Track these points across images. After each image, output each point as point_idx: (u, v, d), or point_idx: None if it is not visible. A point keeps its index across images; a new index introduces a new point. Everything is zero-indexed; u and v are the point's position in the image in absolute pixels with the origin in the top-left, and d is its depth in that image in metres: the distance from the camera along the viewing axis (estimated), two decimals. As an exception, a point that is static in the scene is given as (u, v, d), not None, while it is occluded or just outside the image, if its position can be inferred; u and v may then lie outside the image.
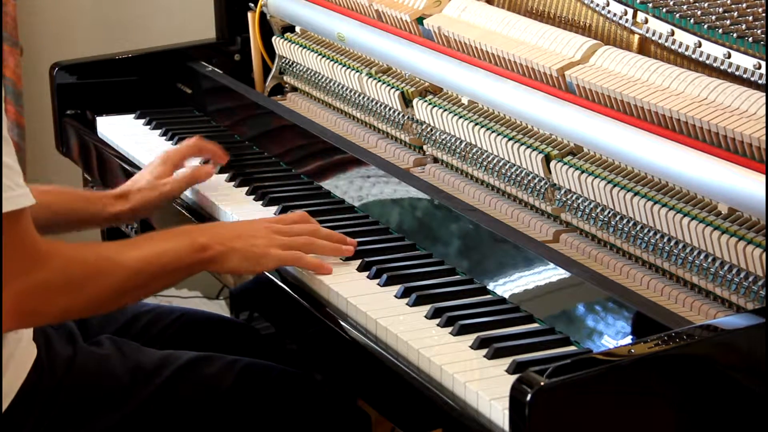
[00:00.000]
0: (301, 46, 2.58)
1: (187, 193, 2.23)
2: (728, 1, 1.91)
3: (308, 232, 1.91)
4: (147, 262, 1.76)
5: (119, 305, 1.84)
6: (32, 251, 1.63)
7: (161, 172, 2.17)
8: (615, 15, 2.02)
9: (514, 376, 1.49)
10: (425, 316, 1.76)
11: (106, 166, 2.49)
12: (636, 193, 1.81)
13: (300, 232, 1.91)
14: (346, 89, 2.45)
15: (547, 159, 1.96)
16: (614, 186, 1.85)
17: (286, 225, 1.92)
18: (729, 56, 1.80)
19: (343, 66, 2.43)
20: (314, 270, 1.87)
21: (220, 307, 3.59)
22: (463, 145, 2.14)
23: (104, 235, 2.75)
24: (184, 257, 1.80)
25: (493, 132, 2.06)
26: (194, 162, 2.26)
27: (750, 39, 1.79)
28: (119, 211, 2.12)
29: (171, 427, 1.85)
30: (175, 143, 2.48)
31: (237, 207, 2.15)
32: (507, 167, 2.05)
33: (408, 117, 2.29)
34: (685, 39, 1.88)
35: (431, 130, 2.22)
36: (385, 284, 1.85)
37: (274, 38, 2.67)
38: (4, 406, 1.74)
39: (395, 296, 1.82)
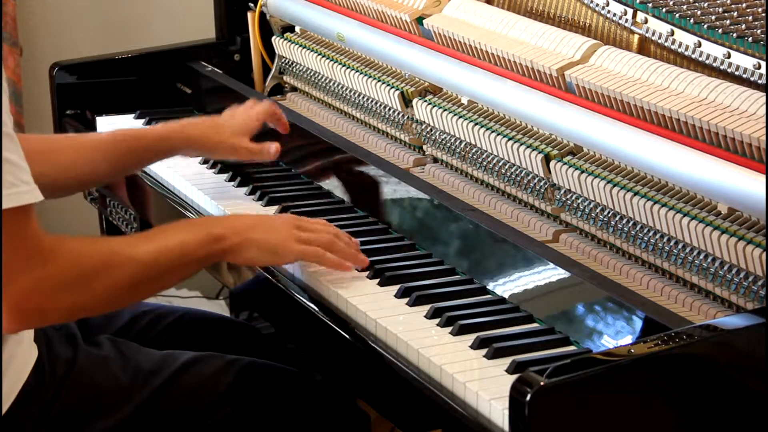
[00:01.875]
0: (301, 46, 2.58)
1: (186, 192, 2.23)
2: (728, 1, 1.91)
3: (330, 233, 1.89)
4: (160, 254, 1.72)
5: (133, 300, 1.81)
6: (36, 247, 1.59)
7: (244, 130, 2.20)
8: (615, 15, 2.02)
9: (514, 376, 1.49)
10: (425, 316, 1.76)
11: (106, 166, 2.48)
12: (636, 193, 1.81)
13: (321, 231, 1.89)
14: (346, 89, 2.45)
15: (547, 159, 1.96)
16: (614, 186, 1.85)
17: (307, 223, 1.90)
18: (729, 56, 1.80)
19: (343, 66, 2.43)
20: (334, 268, 1.86)
21: (220, 307, 3.59)
22: (463, 145, 2.14)
23: (102, 233, 2.74)
24: (199, 248, 1.77)
25: (493, 132, 2.06)
26: None
27: (750, 39, 1.79)
28: (199, 144, 2.19)
29: (171, 427, 1.85)
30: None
31: (237, 207, 2.15)
32: (507, 167, 2.05)
33: (408, 117, 2.29)
34: (685, 39, 1.88)
35: (431, 130, 2.22)
36: (385, 284, 1.85)
37: (273, 38, 2.67)
38: (5, 408, 1.73)
39: (395, 296, 1.82)
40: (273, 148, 2.19)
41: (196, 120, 2.23)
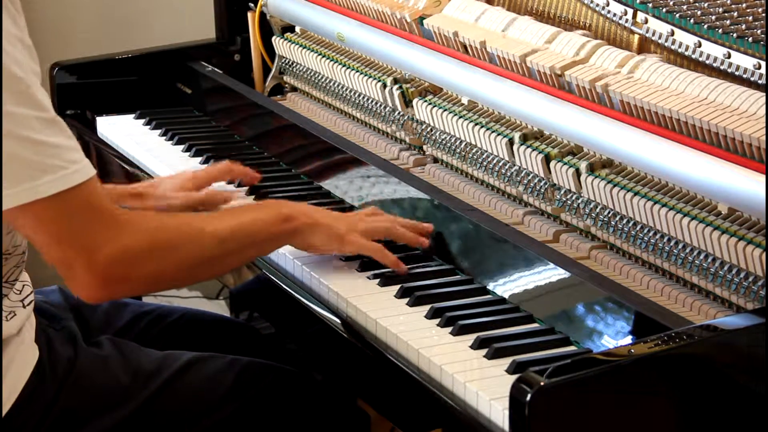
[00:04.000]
0: (301, 46, 2.58)
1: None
2: (728, 1, 1.91)
3: (388, 219, 1.94)
4: (234, 230, 1.77)
5: (211, 274, 1.84)
6: (111, 218, 1.63)
7: (183, 187, 2.13)
8: (615, 15, 2.02)
9: (514, 376, 1.49)
10: (425, 316, 1.76)
11: (106, 167, 2.49)
12: (636, 193, 1.81)
13: (378, 226, 1.93)
14: (346, 89, 2.45)
15: (547, 159, 1.96)
16: (614, 186, 1.84)
17: (366, 215, 1.95)
18: (729, 56, 1.80)
19: (343, 66, 2.43)
20: (391, 266, 1.88)
21: (220, 307, 3.59)
22: (463, 145, 2.14)
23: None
24: (271, 226, 1.82)
25: (493, 132, 2.06)
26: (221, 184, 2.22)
27: (750, 39, 1.79)
28: (132, 208, 2.11)
29: (171, 427, 1.85)
30: (175, 143, 2.48)
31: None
32: (507, 167, 2.05)
33: (408, 117, 2.29)
34: (685, 39, 1.88)
35: (431, 130, 2.22)
36: (385, 284, 1.85)
37: (274, 38, 2.67)
38: (7, 408, 1.74)
39: (395, 296, 1.82)
40: (222, 195, 2.13)
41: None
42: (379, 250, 1.89)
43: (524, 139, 2.01)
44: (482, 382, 1.57)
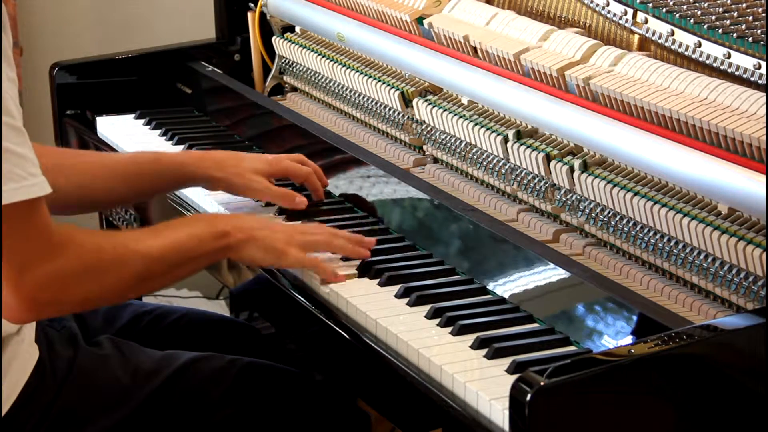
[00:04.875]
0: (301, 46, 2.58)
1: (187, 193, 2.23)
2: (728, 1, 1.91)
3: (327, 233, 1.91)
4: (167, 249, 1.75)
5: (143, 292, 1.84)
6: (47, 240, 1.62)
7: (262, 171, 2.09)
8: (615, 15, 2.02)
9: (514, 376, 1.49)
10: (425, 316, 1.76)
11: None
12: (636, 193, 1.81)
13: (317, 239, 1.90)
14: (346, 89, 2.45)
15: (548, 159, 1.96)
16: (614, 186, 1.85)
17: (307, 228, 1.92)
18: (729, 56, 1.80)
19: (343, 66, 2.43)
20: (328, 279, 1.86)
21: (220, 307, 3.59)
22: (463, 145, 2.14)
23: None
24: (205, 243, 1.80)
25: (493, 132, 2.06)
26: None
27: (750, 39, 1.79)
28: (213, 176, 2.09)
29: (171, 426, 1.85)
30: (175, 143, 2.48)
31: (237, 203, 2.14)
32: (507, 167, 2.05)
33: (408, 117, 2.29)
34: (685, 39, 1.88)
35: (431, 130, 2.22)
36: (385, 284, 1.85)
37: (274, 38, 2.67)
38: (7, 407, 1.74)
39: (395, 296, 1.82)
40: (298, 198, 2.09)
41: (217, 151, 2.16)
42: (316, 264, 1.87)
43: (518, 136, 2.00)
44: (482, 382, 1.57)
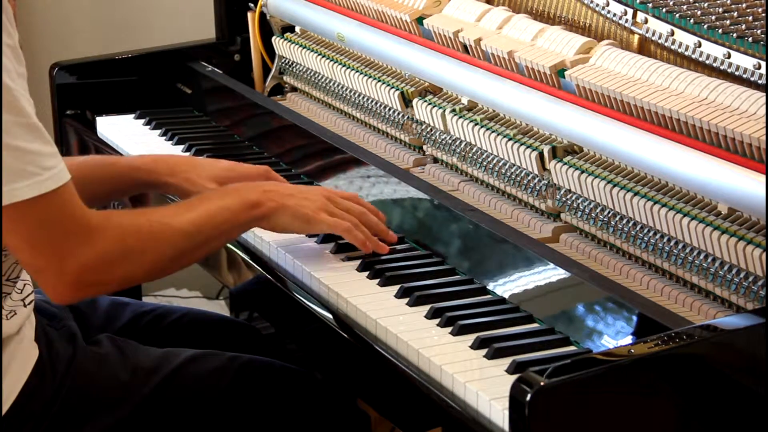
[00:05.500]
0: (301, 46, 2.58)
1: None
2: (728, 1, 1.91)
3: (359, 212, 1.94)
4: (201, 223, 1.79)
5: (179, 267, 1.85)
6: (84, 224, 1.65)
7: (218, 178, 2.08)
8: (615, 15, 2.02)
9: (514, 376, 1.49)
10: (425, 316, 1.76)
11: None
12: (636, 193, 1.81)
13: (351, 208, 1.94)
14: (346, 89, 2.45)
15: (547, 159, 1.96)
16: (614, 186, 1.85)
17: (339, 197, 1.95)
18: (729, 56, 1.80)
19: (343, 66, 2.43)
20: (360, 246, 1.91)
21: (220, 307, 3.59)
22: (463, 145, 2.14)
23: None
24: (238, 214, 1.84)
25: (492, 132, 2.06)
26: None
27: (750, 39, 1.79)
28: (165, 182, 2.08)
29: (171, 424, 1.85)
30: (175, 143, 2.48)
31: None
32: (507, 167, 2.05)
33: (408, 117, 2.29)
34: (685, 39, 1.88)
35: (431, 130, 2.22)
36: (385, 284, 1.85)
37: (274, 38, 2.67)
38: (7, 407, 1.74)
39: (395, 296, 1.82)
40: None
41: (173, 155, 2.18)
42: (349, 229, 1.90)
43: (514, 135, 2.01)
44: (482, 382, 1.57)
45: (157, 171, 2.08)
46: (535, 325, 1.74)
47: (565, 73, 1.94)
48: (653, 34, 1.94)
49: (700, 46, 1.85)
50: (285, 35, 2.65)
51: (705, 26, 1.84)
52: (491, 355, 1.63)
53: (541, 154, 1.96)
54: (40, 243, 1.63)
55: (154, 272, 1.78)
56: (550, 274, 1.78)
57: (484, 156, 2.09)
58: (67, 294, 1.68)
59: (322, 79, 2.53)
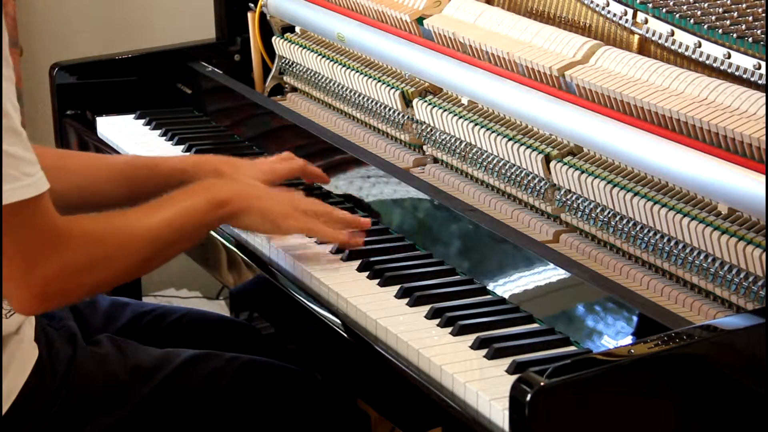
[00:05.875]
0: (301, 46, 2.58)
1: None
2: (728, 1, 1.91)
3: (325, 211, 1.94)
4: (166, 226, 1.77)
5: (148, 270, 1.85)
6: (52, 235, 1.63)
7: (262, 180, 2.07)
8: (615, 15, 2.02)
9: (514, 377, 1.49)
10: (425, 317, 1.76)
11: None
12: (636, 193, 1.81)
13: (318, 209, 1.94)
14: (346, 89, 2.45)
15: (547, 159, 1.96)
16: (614, 186, 1.85)
17: (305, 199, 1.95)
18: (729, 56, 1.80)
19: (343, 66, 2.43)
20: (330, 240, 1.91)
21: (220, 307, 3.59)
22: (463, 145, 2.14)
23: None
24: (204, 214, 1.83)
25: (493, 132, 2.06)
26: None
27: (750, 39, 1.79)
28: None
29: (171, 424, 1.85)
30: (175, 143, 2.48)
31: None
32: (507, 167, 2.05)
33: (408, 117, 2.29)
34: (685, 39, 1.88)
35: (431, 130, 2.22)
36: (385, 284, 1.85)
37: (274, 38, 2.67)
38: (7, 407, 1.74)
39: (395, 296, 1.82)
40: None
41: (214, 156, 2.16)
42: (315, 227, 1.90)
43: (514, 135, 2.01)
44: (482, 382, 1.57)
45: (203, 173, 2.08)
46: (535, 326, 1.74)
47: (566, 73, 1.94)
48: (653, 35, 1.94)
49: (700, 46, 1.85)
50: (285, 35, 2.65)
51: (705, 26, 1.84)
52: (491, 355, 1.63)
53: (547, 157, 1.96)
54: (10, 251, 1.60)
55: (122, 277, 1.76)
56: (550, 274, 1.78)
57: (484, 156, 2.09)
58: (32, 305, 1.65)
59: (322, 79, 2.53)
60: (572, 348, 1.68)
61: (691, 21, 1.87)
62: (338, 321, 1.80)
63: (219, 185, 1.90)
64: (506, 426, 1.49)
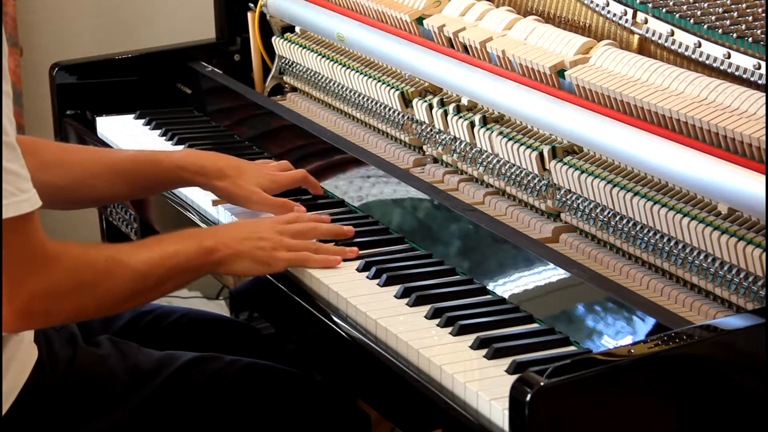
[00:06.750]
0: (300, 46, 2.58)
1: (187, 192, 2.23)
2: (728, 1, 1.91)
3: (310, 229, 1.94)
4: (155, 264, 1.77)
5: (130, 306, 1.86)
6: (41, 254, 1.63)
7: (262, 186, 2.10)
8: (615, 15, 2.02)
9: (514, 376, 1.49)
10: (425, 317, 1.76)
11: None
12: (636, 193, 1.81)
13: (303, 230, 1.93)
14: (346, 89, 2.45)
15: (547, 159, 1.96)
16: (614, 186, 1.85)
17: (289, 223, 1.93)
18: (729, 56, 1.80)
19: (343, 66, 2.43)
20: (323, 266, 1.89)
21: (220, 307, 3.59)
22: (463, 145, 2.14)
23: (104, 235, 2.75)
24: (192, 260, 1.81)
25: (492, 132, 2.06)
26: None
27: (750, 39, 1.79)
28: (215, 185, 2.10)
29: (170, 426, 1.85)
30: (175, 143, 2.48)
31: (235, 206, 2.14)
32: (507, 167, 2.05)
33: (408, 117, 2.29)
34: (685, 39, 1.88)
35: (431, 130, 2.22)
36: (385, 284, 1.85)
37: (273, 38, 2.68)
38: (6, 407, 1.74)
39: (395, 296, 1.82)
40: (296, 207, 2.08)
41: (219, 156, 2.15)
42: (306, 260, 1.89)
43: (514, 135, 2.01)
44: (482, 383, 1.57)
45: (206, 173, 2.09)
46: (535, 325, 1.74)
47: (565, 73, 1.94)
48: (653, 34, 1.94)
49: (700, 46, 1.85)
50: (285, 35, 2.65)
51: (705, 26, 1.84)
52: (491, 356, 1.63)
53: (541, 154, 1.96)
54: (2, 265, 1.59)
55: (105, 308, 1.77)
56: (550, 274, 1.78)
57: (484, 156, 2.09)
58: (15, 321, 1.64)
59: (322, 79, 2.53)
60: (572, 348, 1.68)
61: (691, 21, 1.87)
62: (338, 321, 1.80)
63: (205, 233, 1.91)
64: (506, 426, 1.49)
